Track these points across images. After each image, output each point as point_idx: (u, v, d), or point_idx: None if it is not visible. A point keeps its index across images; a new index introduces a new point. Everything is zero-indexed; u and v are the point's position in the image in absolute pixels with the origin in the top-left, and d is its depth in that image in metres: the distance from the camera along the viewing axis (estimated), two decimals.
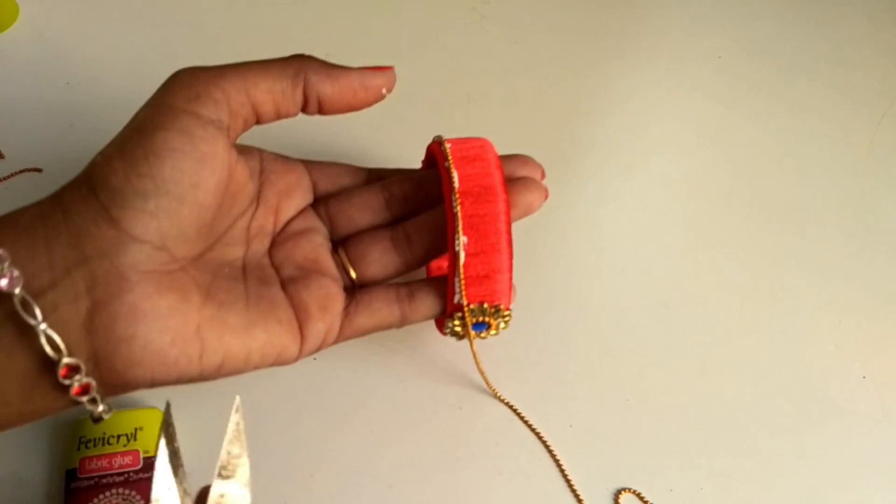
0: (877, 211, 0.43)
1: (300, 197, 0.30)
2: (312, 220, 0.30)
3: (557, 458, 0.33)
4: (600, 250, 0.40)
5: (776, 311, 0.39)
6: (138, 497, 0.29)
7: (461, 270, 0.28)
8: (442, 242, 0.30)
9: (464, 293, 0.28)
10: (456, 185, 0.28)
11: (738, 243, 0.41)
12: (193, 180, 0.23)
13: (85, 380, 0.21)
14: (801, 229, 0.42)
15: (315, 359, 0.35)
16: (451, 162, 0.29)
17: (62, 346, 0.21)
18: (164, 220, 0.22)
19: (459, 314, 0.29)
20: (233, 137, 0.25)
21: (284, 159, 0.31)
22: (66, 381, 0.21)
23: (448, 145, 0.30)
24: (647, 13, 0.51)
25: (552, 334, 0.37)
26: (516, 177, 0.31)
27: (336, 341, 0.28)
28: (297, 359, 0.27)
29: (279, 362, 0.26)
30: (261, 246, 0.29)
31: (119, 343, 0.21)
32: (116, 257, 0.21)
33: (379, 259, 0.30)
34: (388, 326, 0.29)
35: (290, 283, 0.28)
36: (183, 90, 0.23)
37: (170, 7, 0.46)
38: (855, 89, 0.48)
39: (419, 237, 0.30)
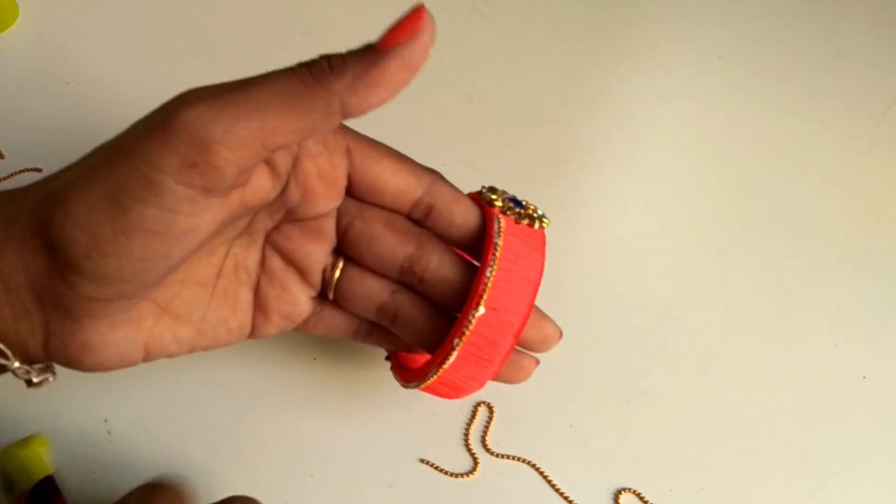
0: (877, 211, 0.43)
1: (326, 204, 0.25)
2: (328, 227, 0.26)
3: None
4: (600, 250, 0.40)
5: (776, 311, 0.39)
6: None
7: (437, 376, 0.25)
8: (423, 346, 0.27)
9: (428, 386, 0.26)
10: (479, 315, 0.24)
11: (738, 243, 0.41)
12: (165, 254, 0.20)
13: (33, 379, 0.22)
14: (801, 229, 0.42)
15: (315, 359, 0.35)
16: (488, 286, 0.24)
17: (10, 357, 0.21)
18: (125, 287, 0.21)
19: (403, 383, 0.28)
20: (238, 185, 0.21)
21: (326, 153, 0.24)
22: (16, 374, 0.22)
23: (498, 252, 0.24)
24: (647, 13, 0.51)
25: None
26: (523, 346, 0.27)
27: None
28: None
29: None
30: (262, 229, 0.25)
31: (68, 363, 0.22)
32: (71, 310, 0.21)
33: (359, 312, 0.27)
34: (337, 339, 0.29)
35: (267, 280, 0.26)
36: (178, 152, 0.19)
37: (170, 7, 0.46)
38: (855, 89, 0.48)
39: (403, 329, 0.27)
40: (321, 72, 0.20)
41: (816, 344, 0.38)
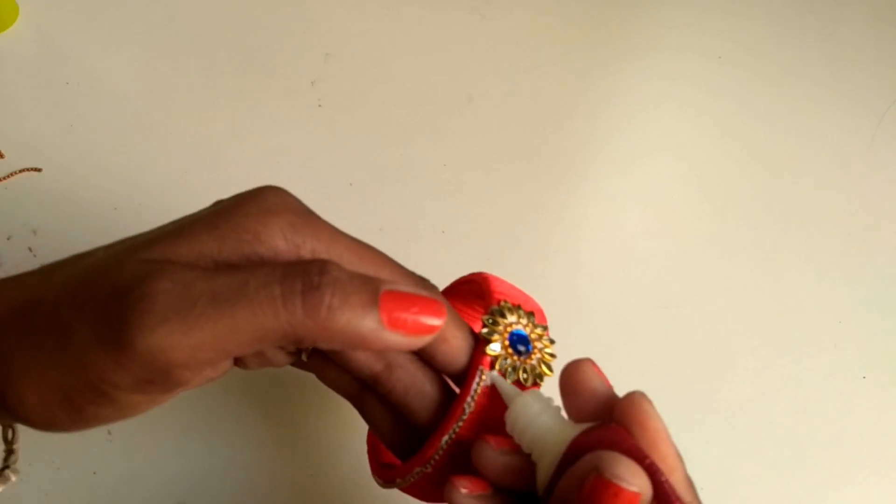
0: (877, 210, 0.43)
1: (287, 358, 0.24)
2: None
3: None
4: (600, 250, 0.40)
5: (776, 311, 0.39)
6: None
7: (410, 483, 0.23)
8: (389, 444, 0.24)
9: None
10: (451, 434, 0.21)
11: (739, 243, 0.41)
12: (116, 418, 0.20)
13: None
14: (801, 229, 0.42)
15: None
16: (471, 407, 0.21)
17: None
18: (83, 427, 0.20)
19: (382, 482, 0.25)
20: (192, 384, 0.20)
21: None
22: None
23: (481, 381, 0.21)
24: (647, 14, 0.51)
25: (552, 334, 0.37)
26: None
27: None
28: None
29: None
30: None
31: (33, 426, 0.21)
32: (27, 420, 0.20)
33: (331, 380, 0.25)
34: None
35: None
36: (134, 372, 0.17)
37: (170, 7, 0.46)
38: (855, 89, 0.48)
39: (371, 422, 0.24)
40: (315, 307, 0.18)
41: (816, 344, 0.38)
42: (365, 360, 0.22)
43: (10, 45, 0.43)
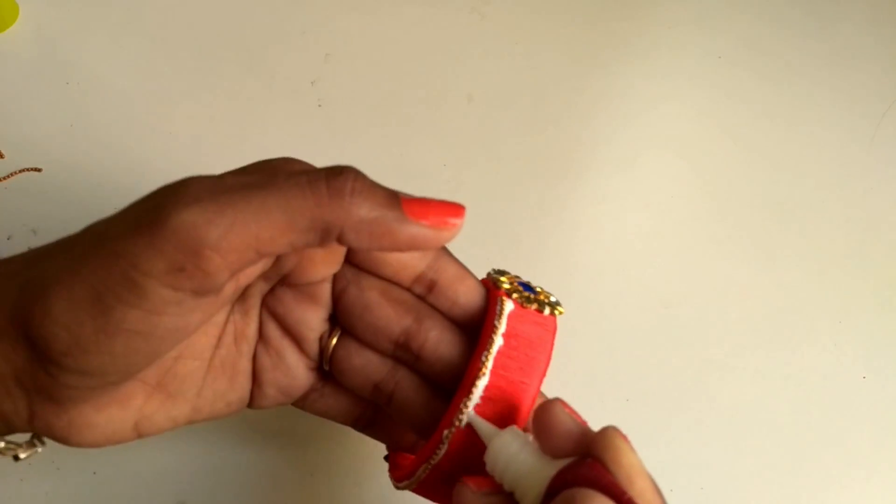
0: (877, 210, 0.43)
1: (322, 272, 0.23)
2: (322, 293, 0.24)
3: None
4: (600, 250, 0.40)
5: (776, 311, 0.39)
6: None
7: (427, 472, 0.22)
8: (418, 430, 0.24)
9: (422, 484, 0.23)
10: (476, 397, 0.22)
11: (738, 243, 0.41)
12: (150, 352, 0.20)
13: (20, 454, 0.22)
14: (801, 229, 0.42)
15: None
16: (488, 365, 0.22)
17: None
18: (109, 377, 0.20)
19: (396, 484, 0.25)
20: (225, 297, 0.20)
21: None
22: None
23: (500, 336, 0.22)
24: (647, 13, 0.51)
25: None
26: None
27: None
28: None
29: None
30: (258, 292, 0.24)
31: (55, 438, 0.21)
32: (53, 395, 0.20)
33: (355, 381, 0.25)
34: (336, 421, 0.27)
35: (264, 348, 0.24)
36: (166, 256, 0.18)
37: (169, 7, 0.46)
38: (855, 89, 0.48)
39: (399, 412, 0.24)
40: (339, 191, 0.19)
41: (816, 344, 0.38)
42: (395, 315, 0.23)
43: (10, 45, 0.43)
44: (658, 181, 0.43)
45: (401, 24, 0.47)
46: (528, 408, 0.22)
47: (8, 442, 0.22)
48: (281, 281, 0.23)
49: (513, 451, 0.20)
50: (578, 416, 0.21)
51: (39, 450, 0.23)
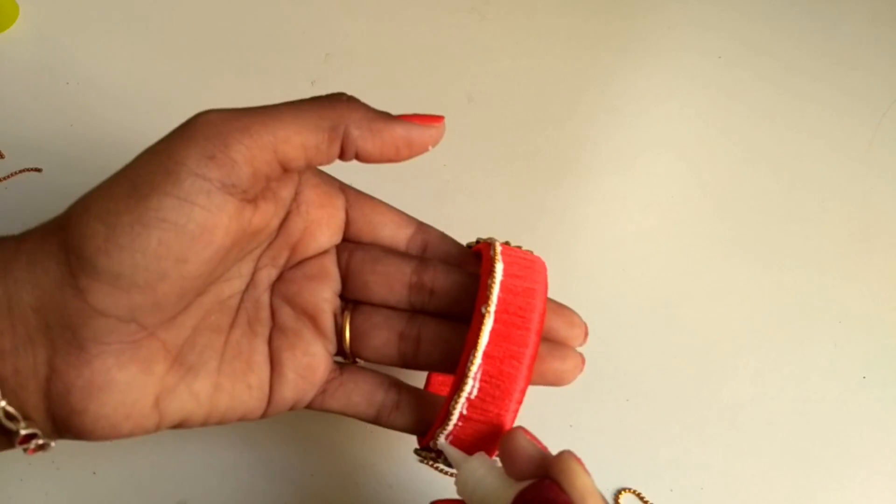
0: (877, 210, 0.43)
1: (327, 236, 0.26)
2: (330, 266, 0.27)
3: None
4: (600, 250, 0.40)
5: (776, 311, 0.39)
6: None
7: (458, 412, 0.24)
8: (452, 364, 0.25)
9: (449, 439, 0.25)
10: (489, 327, 0.24)
11: (738, 243, 0.41)
12: (181, 256, 0.20)
13: (38, 442, 0.21)
14: (801, 229, 0.42)
15: None
16: (493, 303, 0.24)
17: (20, 419, 0.20)
18: (136, 296, 0.20)
19: (432, 455, 0.26)
20: (249, 197, 0.22)
21: (324, 185, 0.26)
22: (22, 447, 0.21)
23: (499, 272, 0.24)
24: (647, 13, 0.51)
25: None
26: (553, 337, 0.26)
27: (301, 408, 0.26)
28: (258, 419, 0.25)
29: (238, 421, 0.25)
30: (266, 278, 0.26)
31: (72, 414, 0.21)
32: (78, 330, 0.20)
33: (379, 349, 0.26)
34: (359, 419, 0.27)
35: (280, 333, 0.25)
36: (198, 145, 0.20)
37: (169, 7, 0.46)
38: (855, 89, 0.48)
39: (430, 348, 0.26)
40: (338, 98, 0.23)
41: (816, 344, 0.38)
42: (402, 261, 0.26)
43: (10, 45, 0.43)
44: (658, 181, 0.43)
45: (401, 24, 0.47)
46: (540, 323, 0.24)
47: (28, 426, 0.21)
48: (291, 263, 0.26)
49: (479, 476, 0.22)
50: (540, 443, 0.23)
51: (53, 444, 0.22)
